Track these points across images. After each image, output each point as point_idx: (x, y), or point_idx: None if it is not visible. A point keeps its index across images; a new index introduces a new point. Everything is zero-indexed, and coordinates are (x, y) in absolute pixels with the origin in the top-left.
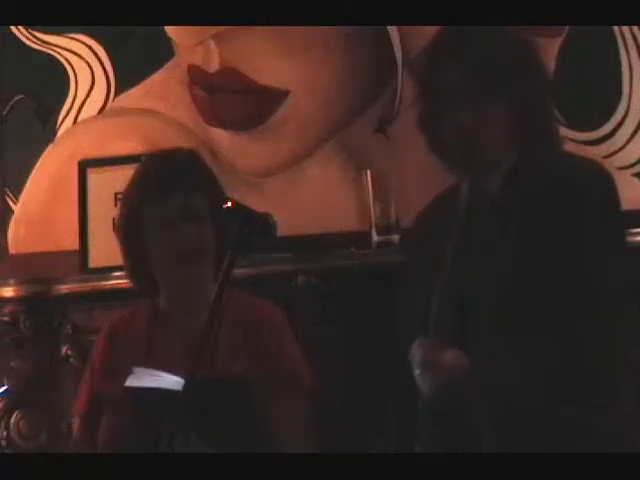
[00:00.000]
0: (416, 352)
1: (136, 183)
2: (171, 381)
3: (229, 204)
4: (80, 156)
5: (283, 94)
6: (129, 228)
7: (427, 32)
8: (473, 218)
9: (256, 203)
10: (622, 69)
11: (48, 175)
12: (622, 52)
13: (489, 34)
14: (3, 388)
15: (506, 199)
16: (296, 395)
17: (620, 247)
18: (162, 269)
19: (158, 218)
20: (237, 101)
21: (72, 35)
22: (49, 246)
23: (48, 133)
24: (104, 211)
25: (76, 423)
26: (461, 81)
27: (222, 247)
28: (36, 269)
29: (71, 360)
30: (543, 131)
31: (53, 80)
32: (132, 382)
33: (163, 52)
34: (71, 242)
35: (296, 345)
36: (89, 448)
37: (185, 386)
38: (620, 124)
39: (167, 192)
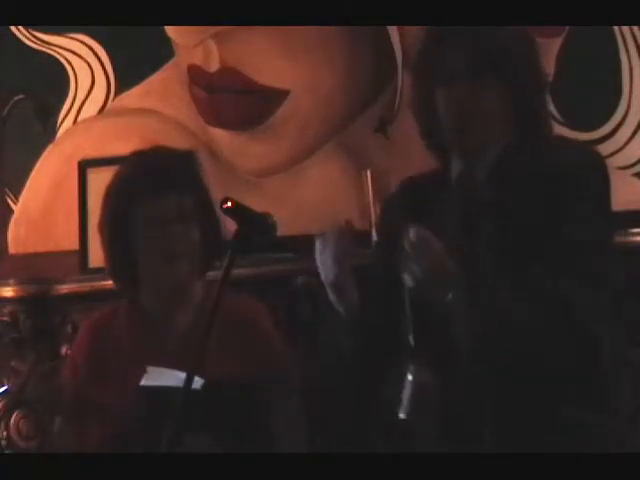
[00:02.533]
0: (411, 238)
1: (124, 181)
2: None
3: (229, 204)
4: (80, 156)
5: (283, 94)
6: (115, 226)
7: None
8: (465, 201)
9: (256, 203)
10: (622, 69)
11: (48, 175)
12: (622, 52)
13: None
14: (3, 388)
15: (498, 182)
16: (287, 395)
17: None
18: (149, 268)
19: (149, 217)
20: (237, 101)
21: (72, 35)
22: (49, 246)
23: (48, 133)
24: None
25: (58, 423)
26: (458, 63)
27: (207, 248)
28: (36, 269)
29: None
30: (536, 117)
31: (53, 80)
32: (147, 382)
33: (163, 52)
34: (71, 242)
35: (283, 343)
36: (73, 448)
37: (190, 383)
38: (620, 124)
39: (159, 191)
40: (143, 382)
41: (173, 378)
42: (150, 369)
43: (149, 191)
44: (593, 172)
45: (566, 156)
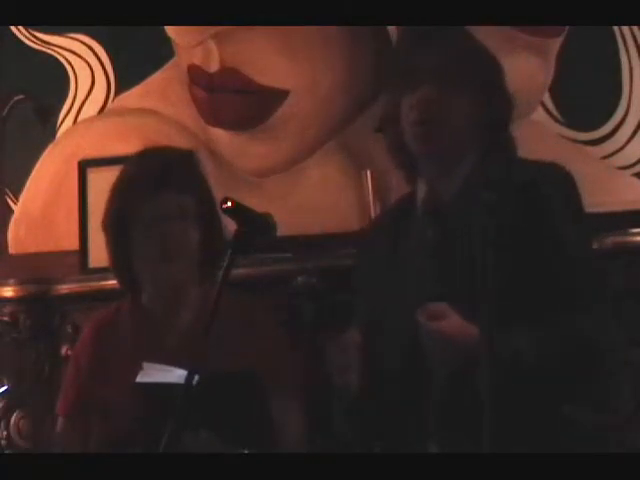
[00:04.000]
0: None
1: (125, 180)
2: (181, 375)
3: (229, 204)
4: (80, 156)
5: (283, 94)
6: (117, 225)
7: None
8: (431, 219)
9: (256, 203)
10: (622, 69)
11: (48, 175)
12: (622, 52)
13: (457, 34)
14: (3, 388)
15: (466, 201)
16: (287, 394)
17: (587, 247)
18: (148, 267)
19: (146, 216)
20: (237, 101)
21: (72, 35)
22: (49, 246)
23: (48, 133)
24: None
25: (60, 423)
26: (425, 71)
27: (208, 249)
28: (36, 269)
29: None
30: (504, 136)
31: (53, 80)
32: (142, 378)
33: (163, 52)
34: (71, 242)
35: (283, 342)
36: (76, 448)
37: (191, 381)
38: (620, 124)
39: (159, 190)
40: (139, 379)
41: (169, 374)
42: (146, 365)
43: (149, 190)
44: (564, 184)
45: (534, 172)
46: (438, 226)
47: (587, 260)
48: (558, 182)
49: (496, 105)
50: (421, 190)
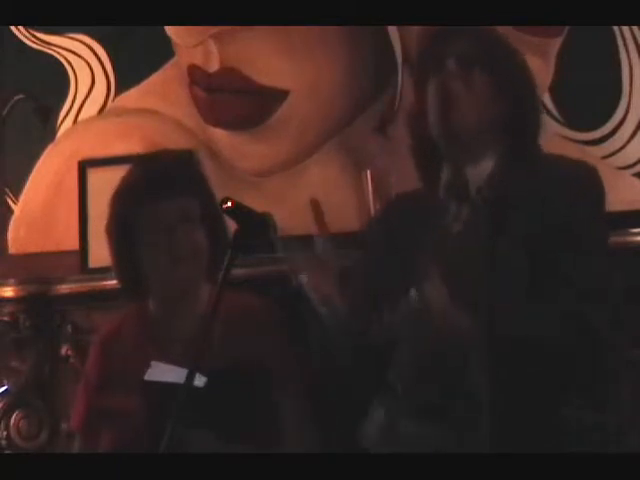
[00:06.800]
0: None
1: (128, 185)
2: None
3: (229, 204)
4: (80, 156)
5: (283, 94)
6: (120, 230)
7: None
8: (455, 203)
9: (256, 203)
10: (622, 69)
11: (48, 175)
12: (622, 52)
13: (486, 31)
14: (3, 388)
15: (491, 191)
16: (286, 392)
17: (604, 247)
18: (154, 273)
19: (152, 221)
20: (237, 101)
21: (72, 35)
22: (49, 246)
23: (48, 133)
24: (104, 211)
25: (76, 437)
26: (452, 54)
27: (214, 250)
28: (36, 269)
29: (71, 360)
30: (532, 130)
31: (53, 80)
32: (151, 376)
33: (163, 52)
34: (71, 242)
35: (283, 341)
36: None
37: (191, 380)
38: (620, 124)
39: (161, 195)
40: (146, 377)
41: (175, 374)
42: (154, 364)
43: (153, 195)
44: (590, 184)
45: (561, 169)
46: (461, 210)
47: (602, 259)
48: (585, 181)
49: (523, 101)
50: (445, 175)
